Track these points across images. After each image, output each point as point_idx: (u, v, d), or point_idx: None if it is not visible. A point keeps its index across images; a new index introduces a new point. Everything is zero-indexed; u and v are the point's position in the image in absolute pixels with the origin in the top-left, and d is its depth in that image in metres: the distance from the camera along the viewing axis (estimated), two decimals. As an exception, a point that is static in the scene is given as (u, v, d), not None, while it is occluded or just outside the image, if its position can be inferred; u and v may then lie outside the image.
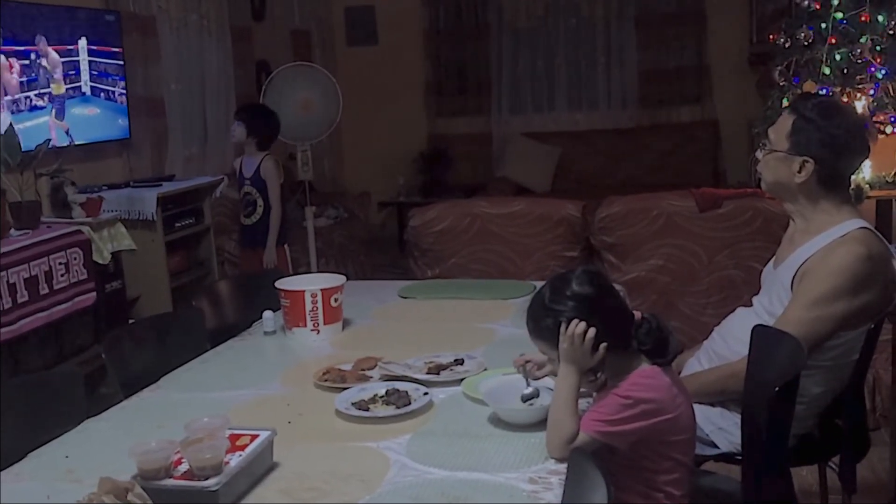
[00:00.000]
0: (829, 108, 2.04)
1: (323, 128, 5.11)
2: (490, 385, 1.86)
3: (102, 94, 4.31)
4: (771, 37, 6.66)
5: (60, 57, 3.96)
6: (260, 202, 4.25)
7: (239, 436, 1.55)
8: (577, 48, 7.31)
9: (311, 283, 2.41)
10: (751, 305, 2.21)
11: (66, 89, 4.03)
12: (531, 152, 7.17)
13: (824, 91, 3.58)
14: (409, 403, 1.81)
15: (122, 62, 4.42)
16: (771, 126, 2.15)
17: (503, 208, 4.07)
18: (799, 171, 2.02)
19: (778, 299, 2.03)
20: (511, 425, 1.70)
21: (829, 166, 2.00)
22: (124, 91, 4.46)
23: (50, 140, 3.50)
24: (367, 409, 1.80)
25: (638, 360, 1.64)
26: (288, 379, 2.08)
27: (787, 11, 6.20)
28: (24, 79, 3.72)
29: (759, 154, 2.13)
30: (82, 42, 4.14)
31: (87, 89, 4.19)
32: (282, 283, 2.41)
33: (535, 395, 1.76)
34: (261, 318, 2.46)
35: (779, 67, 3.82)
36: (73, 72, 4.09)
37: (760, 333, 1.90)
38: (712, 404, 2.07)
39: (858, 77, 3.59)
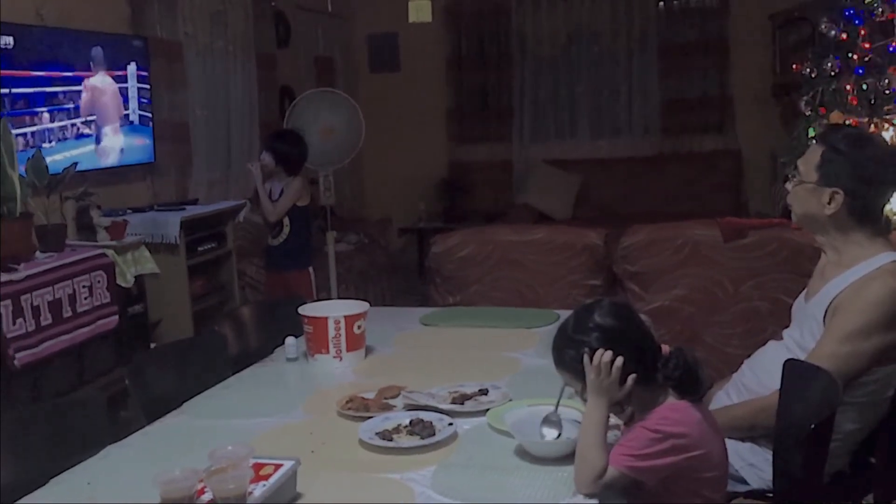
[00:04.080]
0: (859, 138, 2.01)
1: (345, 153, 5.13)
2: (516, 417, 1.83)
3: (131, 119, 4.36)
4: (795, 67, 6.68)
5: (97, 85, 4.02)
6: (287, 222, 4.25)
7: (263, 465, 1.53)
8: (600, 76, 7.32)
9: (334, 310, 2.40)
10: (781, 339, 2.17)
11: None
12: (552, 179, 7.15)
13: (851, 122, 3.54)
14: (434, 434, 1.78)
15: (148, 87, 4.46)
16: (800, 157, 2.12)
17: (525, 236, 4.05)
18: (829, 203, 1.99)
19: (810, 333, 1.99)
20: (538, 458, 1.67)
21: (860, 198, 1.97)
22: (150, 115, 4.49)
23: (77, 163, 3.52)
24: (391, 440, 1.78)
25: (665, 394, 1.61)
26: (311, 407, 2.06)
27: (811, 41, 6.20)
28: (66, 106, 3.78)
29: (788, 185, 2.10)
30: (131, 68, 4.23)
31: (135, 118, 4.28)
32: (305, 310, 2.40)
33: (557, 423, 1.72)
34: (283, 344, 2.45)
35: (805, 97, 3.79)
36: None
37: (793, 368, 1.86)
38: (742, 439, 2.03)
39: (886, 107, 3.55)
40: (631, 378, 1.56)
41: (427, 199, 7.38)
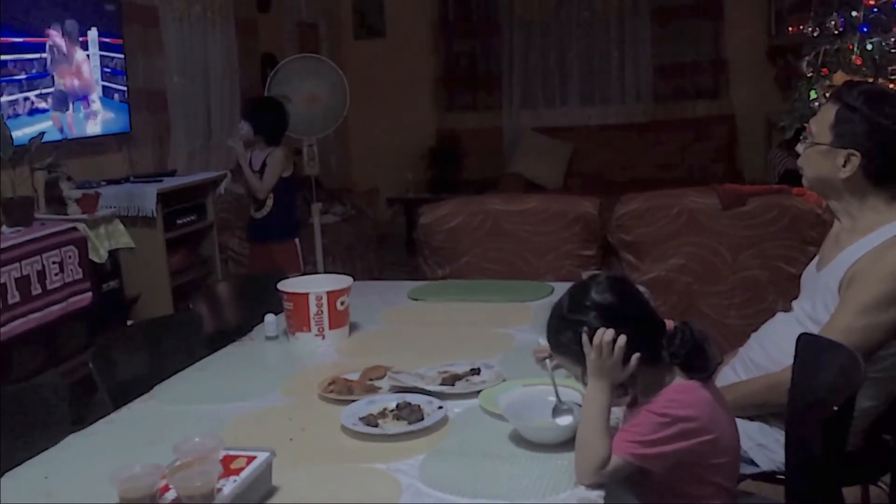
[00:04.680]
0: (876, 96, 1.87)
1: (329, 122, 4.96)
2: (510, 398, 1.70)
3: (107, 85, 4.17)
4: (791, 28, 6.54)
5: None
6: (270, 194, 4.09)
7: (234, 457, 1.39)
8: (590, 41, 7.15)
9: (315, 285, 2.26)
10: (790, 310, 2.05)
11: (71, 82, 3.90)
12: (543, 148, 7.01)
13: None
14: (422, 419, 1.65)
15: (122, 54, 4.27)
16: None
17: (517, 205, 3.91)
18: (843, 166, 1.86)
19: (823, 305, 1.87)
20: (535, 445, 1.54)
21: (877, 159, 1.84)
22: (125, 84, 4.31)
23: (44, 133, 3.35)
24: (377, 425, 1.65)
25: (671, 373, 1.48)
26: (290, 389, 1.92)
27: (808, 2, 6.04)
28: (25, 76, 3.58)
29: (799, 147, 1.96)
30: (92, 34, 4.02)
31: (105, 86, 4.09)
32: (285, 285, 2.25)
33: (569, 410, 1.59)
34: (263, 321, 2.31)
35: (807, 58, 3.64)
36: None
37: (807, 343, 1.73)
38: (750, 418, 1.91)
39: (891, 67, 3.41)
40: (635, 357, 1.43)
41: (415, 168, 7.23)
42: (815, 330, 1.86)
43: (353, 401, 1.77)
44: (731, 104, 6.91)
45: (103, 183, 3.87)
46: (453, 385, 1.83)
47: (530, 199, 3.98)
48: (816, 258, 2.04)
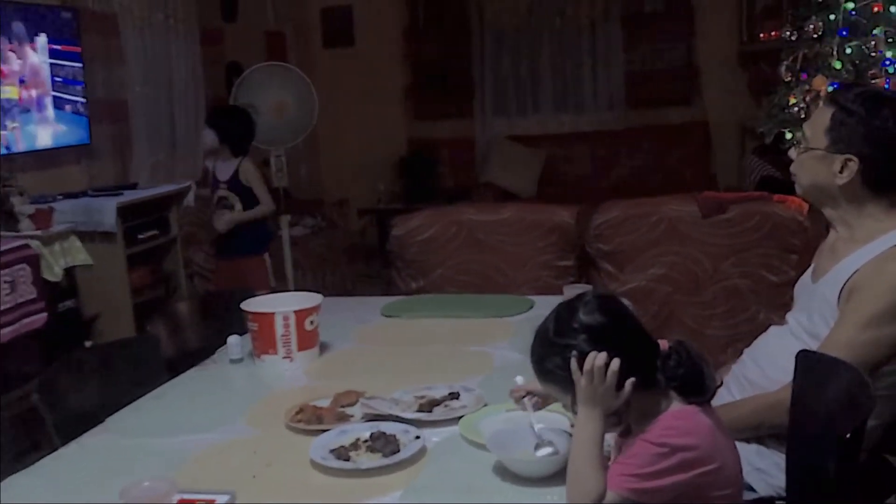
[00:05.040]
0: (874, 98, 1.77)
1: (298, 132, 4.82)
2: (492, 426, 1.58)
3: (61, 96, 4.00)
4: (762, 35, 6.53)
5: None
6: (238, 207, 3.93)
7: (191, 502, 1.25)
8: (562, 49, 7.06)
9: (282, 304, 2.12)
10: (784, 323, 1.95)
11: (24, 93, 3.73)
12: (516, 156, 6.91)
13: (834, 87, 3.33)
14: (399, 450, 1.52)
15: (80, 63, 4.10)
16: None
17: (492, 215, 3.80)
18: (840, 172, 1.76)
19: (821, 318, 1.76)
20: (523, 478, 1.42)
21: (876, 165, 1.74)
22: (83, 94, 4.14)
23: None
24: (349, 459, 1.51)
25: (668, 398, 1.36)
26: (255, 418, 1.78)
27: (778, 8, 6.02)
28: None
29: (792, 153, 1.87)
30: (41, 40, 3.84)
31: (63, 95, 3.91)
32: (249, 305, 2.11)
33: (549, 444, 1.47)
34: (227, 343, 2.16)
35: (785, 62, 3.57)
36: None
37: (807, 360, 1.63)
38: (747, 440, 1.80)
39: (871, 72, 3.35)
40: (629, 382, 1.31)
41: (386, 179, 7.10)
42: (812, 344, 1.76)
43: (324, 430, 1.63)
44: (705, 111, 6.87)
45: (60, 197, 3.71)
46: (431, 411, 1.70)
47: (505, 209, 3.87)
48: (810, 268, 1.94)
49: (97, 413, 1.81)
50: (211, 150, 3.95)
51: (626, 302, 1.48)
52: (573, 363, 1.32)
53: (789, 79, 3.57)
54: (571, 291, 2.39)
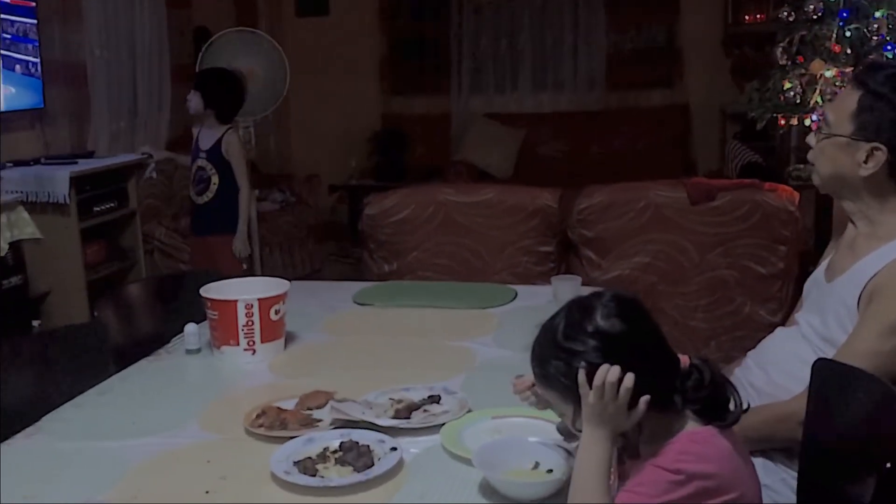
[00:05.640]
0: (905, 80, 1.61)
1: (268, 102, 4.60)
2: (478, 437, 1.41)
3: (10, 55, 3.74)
4: (748, 18, 6.40)
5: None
6: (215, 180, 3.62)
7: (128, 529, 1.07)
8: (543, 26, 6.87)
9: (245, 290, 1.93)
10: (793, 324, 1.80)
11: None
12: (493, 135, 6.72)
13: (832, 72, 3.19)
14: (372, 464, 1.35)
15: (34, 20, 3.83)
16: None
17: (471, 196, 3.61)
18: (865, 161, 1.60)
19: (837, 322, 1.61)
20: (514, 501, 1.25)
21: (905, 155, 1.58)
22: (37, 54, 3.88)
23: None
24: (316, 473, 1.33)
25: (682, 419, 1.20)
26: (211, 420, 1.59)
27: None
28: None
29: (811, 139, 1.70)
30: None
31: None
32: (208, 290, 1.92)
33: (550, 465, 1.30)
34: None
35: (781, 44, 3.41)
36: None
37: (824, 369, 1.48)
38: (751, 453, 1.64)
39: (870, 57, 3.20)
40: (643, 401, 1.15)
41: (359, 154, 6.88)
42: (826, 350, 1.61)
43: (288, 438, 1.45)
44: (686, 93, 6.73)
45: (9, 164, 3.46)
46: (409, 417, 1.52)
47: (485, 190, 3.68)
48: (822, 265, 1.79)
49: (32, 411, 1.61)
50: (195, 113, 3.66)
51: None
52: (581, 375, 1.15)
53: (785, 62, 3.41)
54: (560, 284, 2.23)
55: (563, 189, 3.73)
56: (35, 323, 3.08)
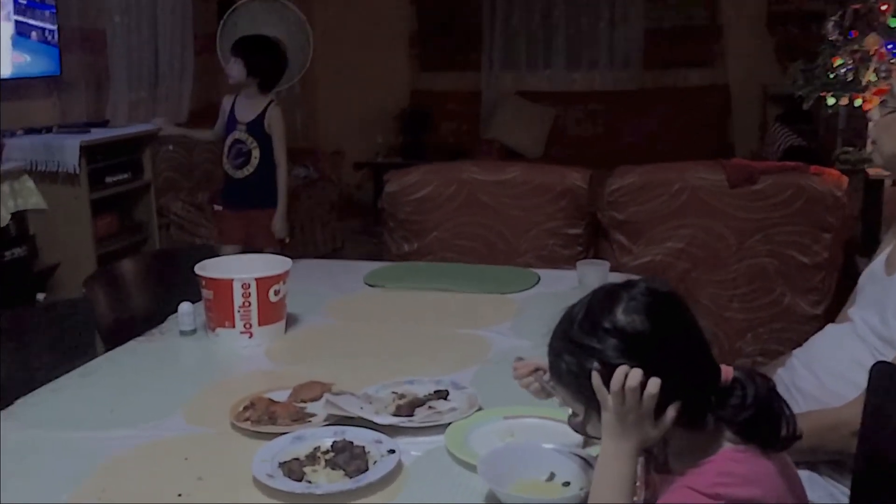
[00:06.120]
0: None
1: (291, 73, 4.44)
2: (487, 441, 1.25)
3: (26, 21, 3.62)
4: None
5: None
6: (256, 154, 3.47)
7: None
8: (578, 1, 6.64)
9: (242, 269, 1.79)
10: (846, 320, 1.61)
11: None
12: (524, 113, 6.54)
13: (890, 46, 2.96)
14: (366, 468, 1.20)
15: (50, -16, 3.71)
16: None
17: (496, 175, 3.44)
18: (935, 139, 1.41)
19: (898, 320, 1.43)
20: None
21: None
22: (54, 20, 3.75)
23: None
24: (302, 477, 1.18)
25: (719, 438, 1.02)
26: (197, 411, 1.45)
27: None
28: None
29: (874, 113, 1.51)
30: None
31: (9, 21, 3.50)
32: (204, 268, 1.78)
33: (566, 477, 1.15)
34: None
35: (832, 19, 3.19)
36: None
37: (886, 374, 1.29)
38: (795, 463, 1.47)
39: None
40: (673, 409, 0.98)
41: (386, 131, 6.72)
42: (886, 352, 1.43)
43: (276, 434, 1.31)
44: (727, 73, 6.48)
45: (20, 132, 3.34)
46: (412, 415, 1.37)
47: (511, 168, 3.51)
48: (880, 257, 1.60)
49: (7, 394, 1.48)
50: (235, 82, 3.50)
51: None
52: (595, 378, 0.99)
53: (836, 37, 3.19)
54: (587, 269, 2.07)
55: (593, 169, 3.55)
56: (40, 296, 2.97)
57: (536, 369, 1.24)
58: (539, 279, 2.19)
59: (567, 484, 1.14)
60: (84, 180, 3.29)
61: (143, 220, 3.78)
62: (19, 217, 2.93)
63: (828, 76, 3.13)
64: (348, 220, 5.95)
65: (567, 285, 2.09)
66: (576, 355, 1.02)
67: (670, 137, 6.36)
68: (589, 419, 1.04)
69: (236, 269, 1.79)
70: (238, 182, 3.51)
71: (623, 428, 0.99)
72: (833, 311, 3.30)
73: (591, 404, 1.02)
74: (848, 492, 1.39)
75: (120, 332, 1.82)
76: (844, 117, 3.98)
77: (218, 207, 4.17)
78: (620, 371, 0.98)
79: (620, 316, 1.00)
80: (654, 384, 0.97)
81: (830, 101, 3.16)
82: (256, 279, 1.72)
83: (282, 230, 3.55)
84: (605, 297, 1.04)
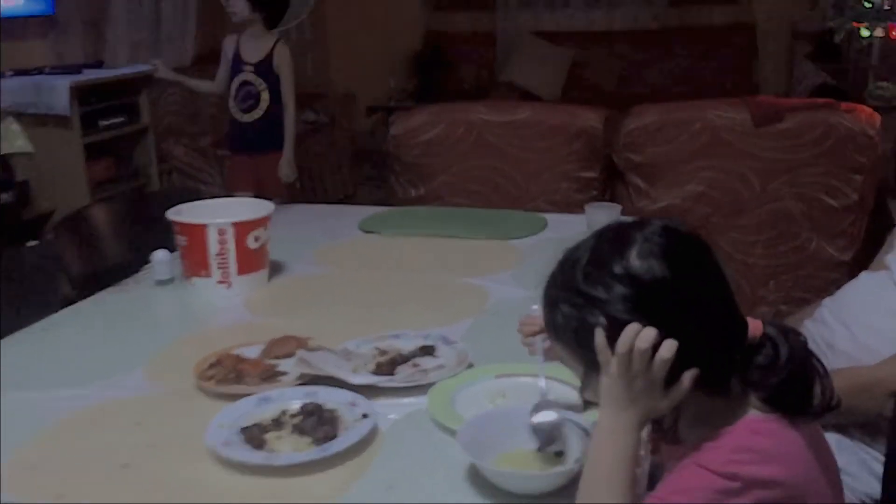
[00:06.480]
0: None
1: (299, 9, 4.24)
2: (473, 404, 1.12)
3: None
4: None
5: None
6: (265, 96, 3.28)
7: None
8: (599, -67, 6.37)
9: (221, 213, 1.65)
10: (882, 268, 1.45)
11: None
12: (541, 54, 6.30)
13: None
14: (335, 434, 1.07)
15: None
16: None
17: (506, 116, 3.26)
18: None
19: (943, 268, 1.27)
20: (513, 494, 0.96)
21: None
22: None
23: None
24: (263, 445, 1.06)
25: (743, 405, 0.87)
26: (158, 369, 1.32)
27: None
28: None
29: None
30: None
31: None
32: (178, 212, 1.64)
33: (558, 446, 1.01)
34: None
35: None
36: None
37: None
38: (823, 426, 1.33)
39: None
40: (689, 378, 0.83)
41: (399, 74, 6.52)
42: (927, 304, 1.27)
43: (242, 395, 1.18)
44: (752, 10, 6.19)
45: (9, 73, 3.20)
46: (392, 374, 1.23)
47: (523, 109, 3.32)
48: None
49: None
50: (239, 19, 3.31)
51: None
52: (599, 336, 0.84)
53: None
54: (596, 212, 1.91)
55: (609, 109, 3.36)
56: (32, 243, 2.86)
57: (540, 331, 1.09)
58: (546, 224, 2.04)
59: (560, 454, 1.00)
60: (76, 123, 3.16)
61: (142, 164, 3.64)
62: (5, 162, 2.80)
63: (863, 5, 2.90)
64: (360, 166, 5.79)
65: (577, 230, 1.91)
66: (576, 306, 0.87)
67: (693, 80, 6.13)
68: (588, 382, 0.90)
69: (214, 213, 1.65)
70: (246, 126, 3.34)
71: (626, 396, 0.84)
72: (862, 257, 3.13)
73: (592, 365, 0.87)
74: (881, 458, 1.25)
75: (93, 282, 1.69)
76: (878, 50, 3.74)
77: (223, 153, 4.03)
78: (630, 330, 0.83)
79: (634, 260, 0.84)
80: (668, 347, 0.82)
81: (864, 32, 2.94)
82: (234, 224, 1.58)
83: (289, 174, 3.40)
84: (615, 238, 0.88)
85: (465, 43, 6.61)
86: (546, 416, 1.02)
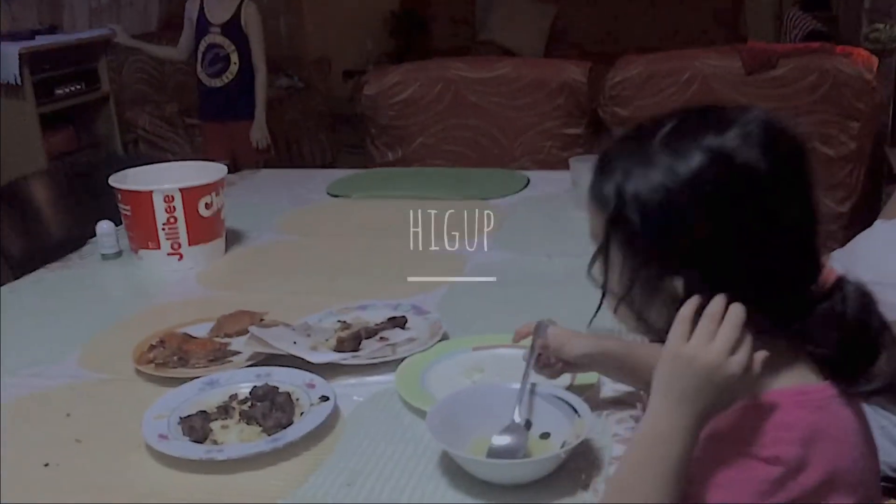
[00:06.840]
0: None
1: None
2: (446, 381, 0.99)
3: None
4: None
5: None
6: (234, 59, 3.12)
7: None
8: None
9: (168, 178, 1.50)
10: (887, 217, 1.32)
11: None
12: (521, 11, 6.12)
13: None
14: (290, 421, 0.93)
15: None
16: None
17: (486, 72, 3.11)
18: None
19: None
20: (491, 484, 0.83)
21: None
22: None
23: None
24: (207, 436, 0.92)
25: (792, 362, 0.72)
26: (95, 353, 1.18)
27: None
28: None
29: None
30: None
31: None
32: (120, 179, 1.49)
33: (522, 431, 0.87)
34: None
35: None
36: None
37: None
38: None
39: None
40: (760, 360, 0.68)
41: (375, 36, 6.31)
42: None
43: (187, 379, 1.04)
44: (738, -42, 6.01)
45: (-44, 41, 3.02)
46: (357, 350, 1.09)
47: (503, 64, 3.17)
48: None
49: None
50: None
51: None
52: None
53: None
54: (582, 166, 1.77)
55: (593, 62, 3.21)
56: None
57: (541, 322, 0.95)
58: (528, 182, 1.90)
59: (546, 436, 0.87)
60: (29, 92, 2.98)
61: (104, 134, 3.46)
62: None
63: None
64: (338, 132, 5.61)
65: (560, 188, 1.81)
66: (634, 177, 0.69)
67: (679, 34, 5.96)
68: (615, 290, 0.73)
69: (162, 178, 1.50)
70: (215, 91, 3.18)
71: (699, 385, 0.67)
72: (861, 207, 3.00)
73: (623, 260, 0.71)
74: (903, 425, 1.13)
75: (33, 259, 1.55)
76: (871, -7, 3.60)
77: (191, 121, 3.85)
78: (691, 301, 0.67)
79: (730, 141, 0.68)
80: (736, 312, 0.66)
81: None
82: (181, 190, 1.43)
83: (261, 139, 3.24)
84: (710, 113, 0.72)
85: (442, 1, 6.41)
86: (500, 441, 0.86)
